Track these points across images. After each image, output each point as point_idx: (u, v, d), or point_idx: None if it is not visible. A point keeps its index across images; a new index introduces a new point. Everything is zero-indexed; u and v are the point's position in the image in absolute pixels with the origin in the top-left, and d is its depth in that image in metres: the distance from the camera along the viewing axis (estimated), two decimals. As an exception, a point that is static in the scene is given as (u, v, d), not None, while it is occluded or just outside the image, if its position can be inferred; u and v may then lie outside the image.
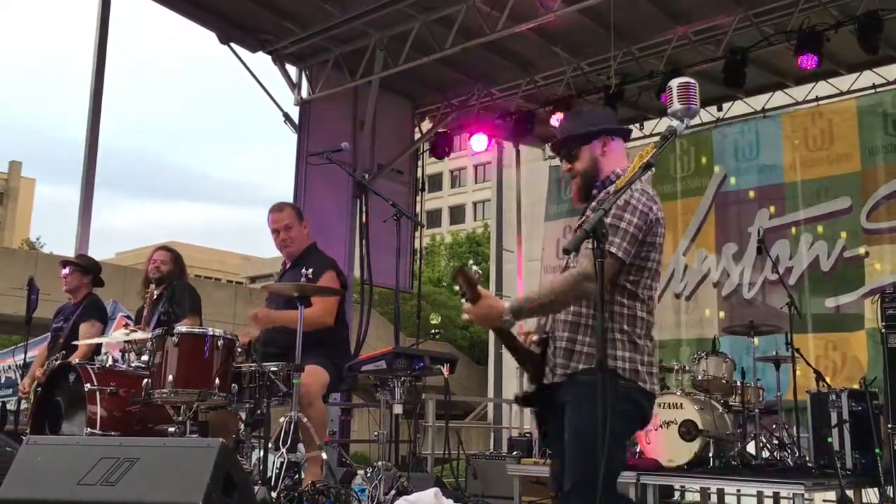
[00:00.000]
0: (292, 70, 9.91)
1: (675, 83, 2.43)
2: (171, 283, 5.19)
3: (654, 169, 2.24)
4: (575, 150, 2.88)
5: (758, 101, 10.05)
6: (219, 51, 9.35)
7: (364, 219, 9.33)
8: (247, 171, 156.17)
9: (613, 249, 2.59)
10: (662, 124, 10.90)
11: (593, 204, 2.82)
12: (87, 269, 6.11)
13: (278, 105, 9.78)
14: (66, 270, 6.02)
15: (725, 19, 8.37)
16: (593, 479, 2.49)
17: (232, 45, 9.29)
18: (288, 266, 4.56)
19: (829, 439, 5.91)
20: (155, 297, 5.18)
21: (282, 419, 3.93)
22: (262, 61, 9.70)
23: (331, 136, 8.84)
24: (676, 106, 2.40)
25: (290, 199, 9.62)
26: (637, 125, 10.79)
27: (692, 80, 2.44)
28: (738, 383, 6.60)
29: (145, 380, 3.89)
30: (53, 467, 2.90)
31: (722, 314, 8.90)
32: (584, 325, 2.68)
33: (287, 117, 9.87)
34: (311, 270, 4.30)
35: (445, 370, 4.20)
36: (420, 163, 11.33)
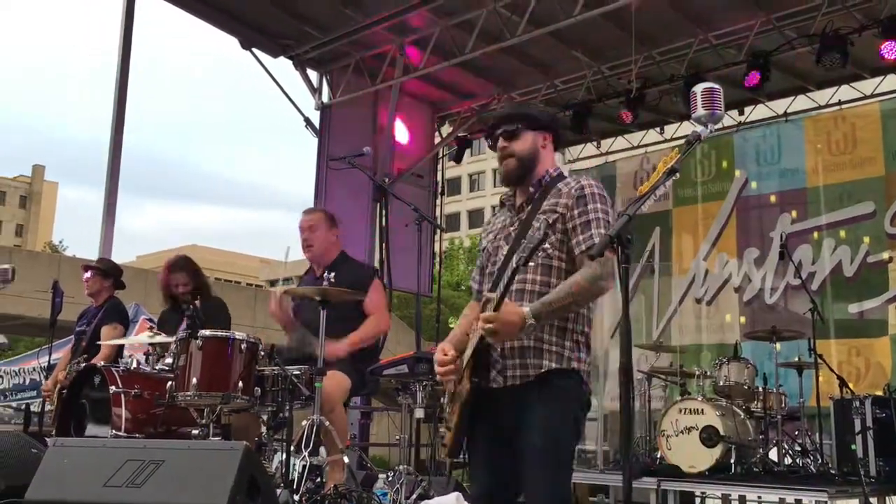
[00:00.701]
0: (313, 75, 9.97)
1: (699, 88, 2.42)
2: (202, 303, 5.17)
3: (678, 174, 2.24)
4: (519, 130, 2.79)
5: (780, 105, 10.00)
6: (239, 54, 9.43)
7: (384, 223, 9.35)
8: (266, 174, 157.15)
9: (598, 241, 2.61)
10: (683, 129, 10.84)
11: (545, 206, 2.69)
12: (108, 272, 6.15)
13: (299, 109, 9.85)
14: (87, 274, 6.06)
15: (748, 23, 8.32)
16: (568, 497, 2.50)
17: (254, 49, 9.36)
18: (318, 274, 4.57)
19: (853, 446, 5.85)
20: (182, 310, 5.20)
21: (304, 422, 3.95)
22: (283, 65, 9.77)
23: (351, 140, 8.89)
24: (701, 111, 2.40)
25: (311, 203, 9.67)
26: (657, 129, 10.77)
27: (716, 86, 2.43)
28: (761, 389, 6.56)
29: (169, 382, 3.92)
30: (80, 469, 2.93)
31: (743, 319, 8.84)
32: (552, 325, 2.61)
33: (308, 122, 9.93)
34: (341, 277, 4.31)
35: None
36: (440, 167, 11.34)
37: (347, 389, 4.29)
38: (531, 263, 2.52)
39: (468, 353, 2.59)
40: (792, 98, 9.80)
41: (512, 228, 2.76)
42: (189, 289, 5.27)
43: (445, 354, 2.63)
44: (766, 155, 9.03)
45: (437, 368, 2.66)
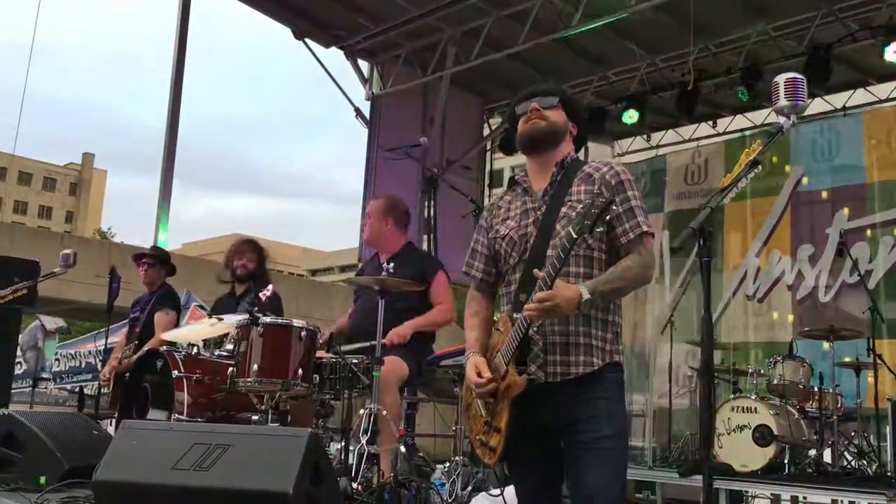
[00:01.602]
0: (364, 65, 10.01)
1: (781, 78, 2.38)
2: (257, 283, 5.24)
3: (760, 167, 2.19)
4: (557, 105, 2.73)
5: (837, 100, 9.77)
6: (288, 45, 9.49)
7: (432, 214, 9.35)
8: (311, 165, 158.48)
9: (647, 228, 2.57)
10: (736, 123, 10.69)
11: (578, 192, 2.60)
12: (164, 261, 6.26)
13: (350, 99, 9.90)
14: (144, 265, 6.17)
15: (809, 14, 8.14)
16: (623, 499, 2.44)
17: (306, 40, 9.42)
18: (383, 260, 4.58)
19: (913, 449, 5.73)
20: (239, 293, 5.28)
21: (361, 411, 3.96)
22: (334, 56, 9.82)
23: (401, 130, 8.91)
24: (783, 102, 2.35)
25: (360, 195, 9.72)
26: (710, 123, 10.61)
27: (799, 76, 2.38)
28: (816, 389, 6.43)
29: (230, 368, 3.96)
30: (148, 451, 2.97)
31: (791, 318, 8.68)
32: (595, 318, 2.54)
33: (358, 112, 9.97)
34: (402, 268, 4.32)
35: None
36: (489, 158, 11.32)
37: (403, 377, 4.29)
38: (572, 254, 2.45)
39: (507, 347, 2.51)
40: (851, 92, 9.56)
41: (539, 213, 2.63)
42: (251, 269, 5.33)
43: (480, 377, 2.54)
44: (823, 150, 8.83)
45: (477, 391, 2.56)
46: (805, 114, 9.83)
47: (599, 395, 2.51)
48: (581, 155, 2.89)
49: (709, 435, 2.04)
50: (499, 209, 2.78)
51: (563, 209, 2.58)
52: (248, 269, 5.33)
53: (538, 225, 2.61)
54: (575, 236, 2.38)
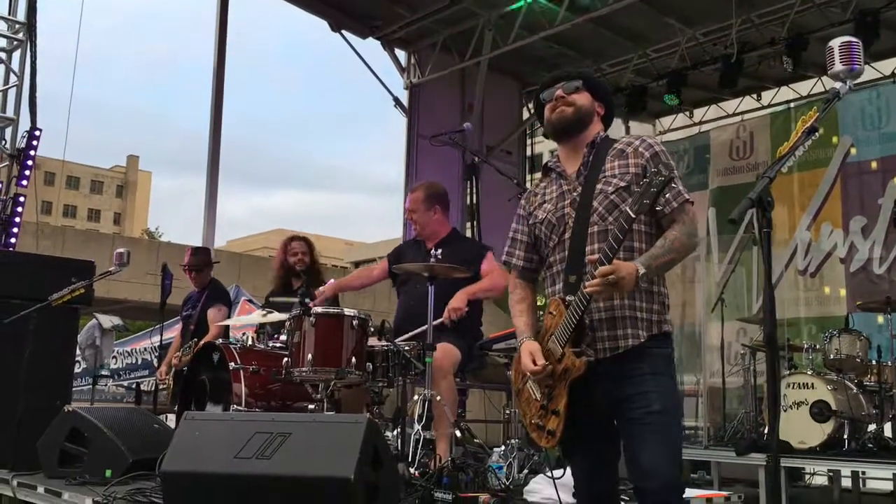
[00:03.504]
0: (401, 55, 10.02)
1: (835, 43, 2.31)
2: (313, 278, 5.37)
3: (818, 133, 2.14)
4: (581, 88, 2.73)
5: (885, 66, 9.52)
6: (321, 39, 9.55)
7: (474, 200, 9.33)
8: (349, 157, 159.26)
9: (688, 196, 2.57)
10: (781, 94, 10.47)
11: (613, 169, 2.60)
12: (209, 262, 6.42)
13: (388, 89, 9.93)
14: (193, 273, 6.32)
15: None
16: (680, 475, 2.40)
17: (343, 31, 9.45)
18: (430, 247, 4.58)
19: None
20: (296, 286, 5.37)
21: (416, 397, 3.99)
22: (370, 48, 9.85)
23: (440, 118, 8.90)
24: (838, 67, 2.28)
25: (401, 186, 9.75)
26: (754, 96, 10.42)
27: (855, 39, 2.31)
28: (874, 362, 6.31)
29: (285, 359, 4.01)
30: (211, 441, 3.02)
31: (844, 291, 8.50)
32: (639, 289, 2.50)
33: (397, 101, 9.99)
34: (450, 254, 4.31)
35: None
36: (529, 142, 11.27)
37: (457, 361, 4.30)
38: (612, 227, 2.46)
39: (563, 329, 2.50)
40: (900, 57, 9.32)
41: (575, 194, 2.63)
42: (306, 261, 5.56)
43: (535, 364, 2.53)
44: (873, 118, 8.61)
45: (533, 377, 2.56)
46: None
47: (648, 371, 2.50)
48: (622, 134, 2.89)
49: (776, 412, 2.00)
50: (535, 196, 2.80)
51: (599, 186, 2.60)
52: (305, 262, 5.56)
53: (575, 206, 2.62)
54: (633, 216, 2.39)
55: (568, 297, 2.53)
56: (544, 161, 2.89)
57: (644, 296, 2.54)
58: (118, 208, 71.14)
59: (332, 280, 4.94)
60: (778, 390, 1.88)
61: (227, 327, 5.50)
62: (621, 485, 2.71)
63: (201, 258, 6.48)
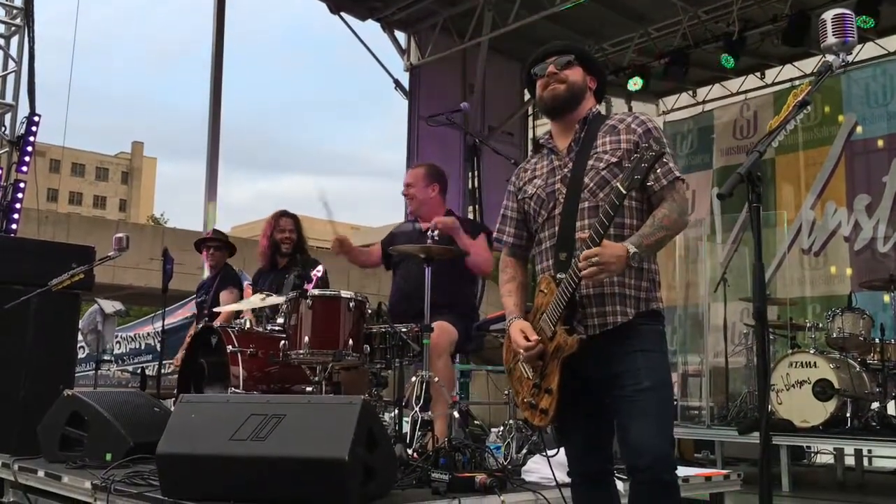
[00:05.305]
0: (401, 36, 9.96)
1: (828, 15, 2.28)
2: (302, 257, 5.34)
3: (809, 108, 2.11)
4: (573, 63, 2.69)
5: (890, 43, 9.42)
6: (320, 24, 9.49)
7: (476, 183, 9.30)
8: (352, 141, 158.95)
9: (679, 174, 2.54)
10: (785, 73, 10.39)
11: (604, 144, 2.58)
12: (228, 243, 6.41)
13: (388, 72, 9.87)
14: (210, 248, 6.30)
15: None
16: (674, 438, 2.38)
17: (342, 14, 9.39)
18: (424, 229, 4.55)
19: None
20: (281, 266, 5.36)
21: (413, 378, 3.98)
22: (369, 30, 9.79)
23: (441, 100, 8.86)
24: (831, 39, 2.25)
25: (399, 168, 9.71)
26: (757, 74, 10.34)
27: (848, 11, 2.28)
28: (877, 340, 6.29)
29: (282, 341, 4.01)
30: (207, 423, 3.03)
31: (849, 270, 8.47)
32: (630, 267, 2.46)
33: (398, 83, 9.94)
34: (445, 234, 4.29)
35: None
36: (531, 124, 11.21)
37: (454, 340, 4.28)
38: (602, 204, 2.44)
39: (554, 307, 2.49)
40: (904, 34, 9.22)
41: (566, 170, 2.61)
42: (293, 238, 5.46)
43: (528, 340, 2.52)
44: (877, 96, 8.54)
45: (522, 354, 2.54)
46: (857, 59, 9.51)
47: (637, 348, 2.49)
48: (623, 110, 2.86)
49: (766, 388, 1.99)
50: (525, 171, 2.78)
51: (590, 162, 2.58)
52: (292, 240, 5.46)
53: (566, 182, 2.60)
54: (624, 192, 2.37)
55: (559, 275, 2.51)
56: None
57: (633, 272, 2.52)
58: (124, 195, 71.22)
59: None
60: (767, 365, 1.87)
61: (239, 310, 5.49)
62: (615, 463, 2.70)
63: (224, 235, 6.52)
